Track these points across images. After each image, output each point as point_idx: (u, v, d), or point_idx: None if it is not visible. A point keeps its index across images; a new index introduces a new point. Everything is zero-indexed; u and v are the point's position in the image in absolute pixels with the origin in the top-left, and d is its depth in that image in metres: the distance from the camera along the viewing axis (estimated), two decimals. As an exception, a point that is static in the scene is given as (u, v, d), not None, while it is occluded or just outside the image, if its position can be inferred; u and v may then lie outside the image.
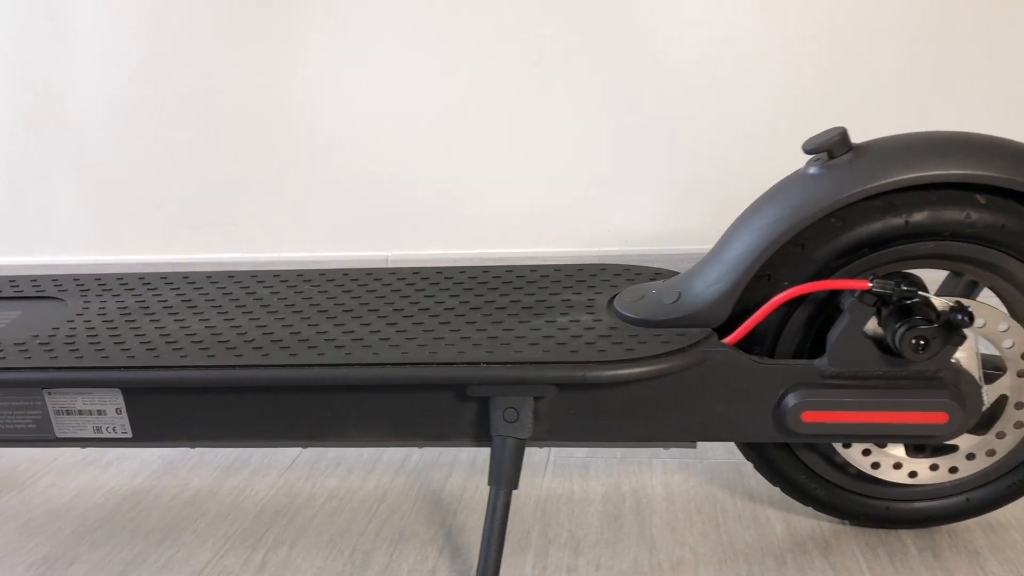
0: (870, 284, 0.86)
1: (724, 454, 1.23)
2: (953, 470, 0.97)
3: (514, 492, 1.17)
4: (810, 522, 1.07)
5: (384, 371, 0.92)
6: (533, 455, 1.26)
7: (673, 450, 1.26)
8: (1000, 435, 0.95)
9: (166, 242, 1.90)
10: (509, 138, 1.77)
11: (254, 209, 1.86)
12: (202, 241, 1.89)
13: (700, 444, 1.27)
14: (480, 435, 0.96)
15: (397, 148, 1.80)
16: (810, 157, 0.94)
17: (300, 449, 1.31)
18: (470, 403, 0.95)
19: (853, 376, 0.90)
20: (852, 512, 1.03)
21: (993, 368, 0.94)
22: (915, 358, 0.87)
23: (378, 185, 1.82)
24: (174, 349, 0.97)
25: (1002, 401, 0.94)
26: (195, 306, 1.07)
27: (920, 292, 0.87)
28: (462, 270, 1.13)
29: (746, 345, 0.95)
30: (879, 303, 0.88)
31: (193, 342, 0.98)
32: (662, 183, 1.77)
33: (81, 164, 1.88)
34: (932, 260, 0.92)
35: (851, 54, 1.68)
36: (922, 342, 0.86)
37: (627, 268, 1.11)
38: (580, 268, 1.12)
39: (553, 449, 1.28)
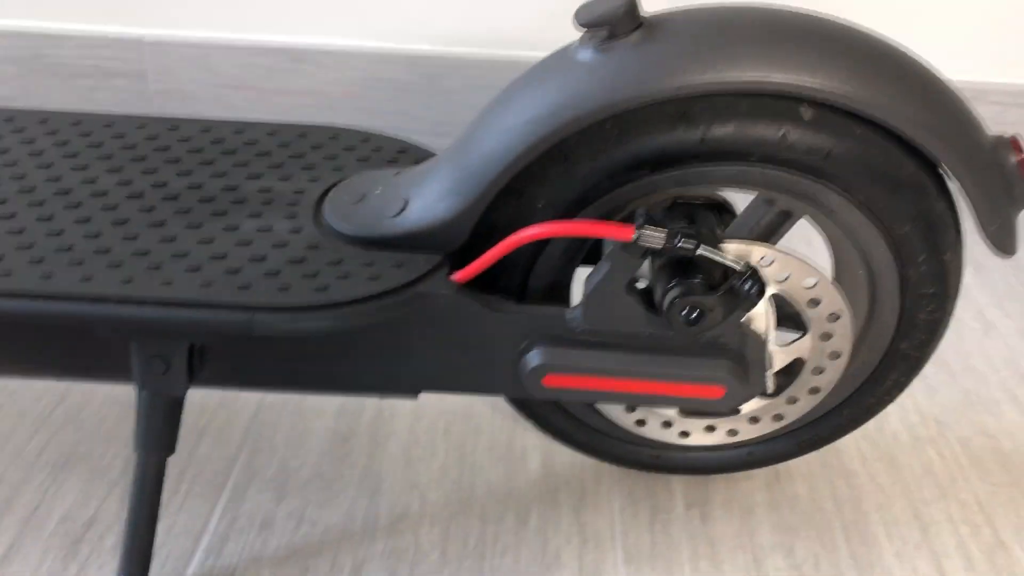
0: (634, 237, 0.63)
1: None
2: (732, 432, 0.80)
3: (226, 399, 0.95)
4: (571, 458, 0.90)
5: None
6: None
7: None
8: (791, 400, 0.77)
9: None
10: None
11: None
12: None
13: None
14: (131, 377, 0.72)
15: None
16: (584, 32, 0.66)
17: None
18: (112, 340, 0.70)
19: (612, 334, 0.69)
20: (618, 458, 0.85)
21: (790, 320, 0.74)
22: (684, 332, 0.65)
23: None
24: None
25: (797, 364, 0.75)
26: None
27: (704, 244, 0.64)
28: (141, 125, 0.83)
29: (490, 278, 0.72)
30: (649, 252, 0.65)
31: None
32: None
33: None
34: (734, 185, 0.69)
35: None
36: (694, 314, 0.64)
37: (366, 139, 0.84)
38: (303, 135, 0.84)
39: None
